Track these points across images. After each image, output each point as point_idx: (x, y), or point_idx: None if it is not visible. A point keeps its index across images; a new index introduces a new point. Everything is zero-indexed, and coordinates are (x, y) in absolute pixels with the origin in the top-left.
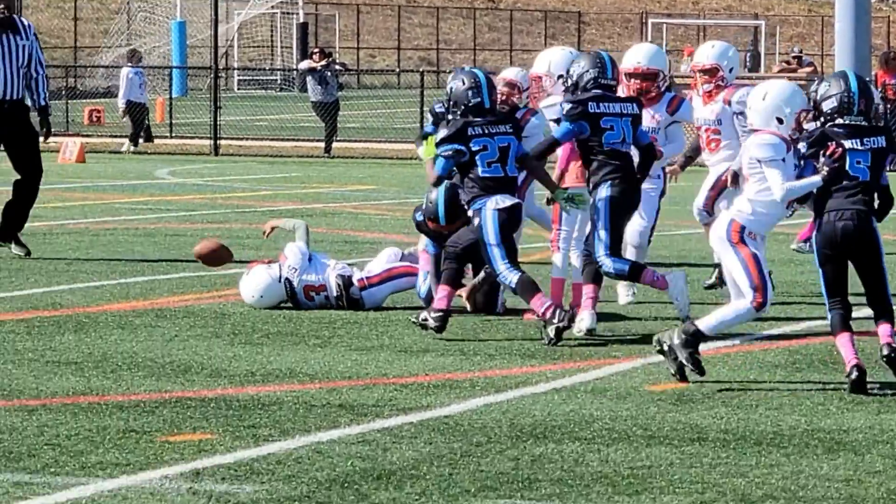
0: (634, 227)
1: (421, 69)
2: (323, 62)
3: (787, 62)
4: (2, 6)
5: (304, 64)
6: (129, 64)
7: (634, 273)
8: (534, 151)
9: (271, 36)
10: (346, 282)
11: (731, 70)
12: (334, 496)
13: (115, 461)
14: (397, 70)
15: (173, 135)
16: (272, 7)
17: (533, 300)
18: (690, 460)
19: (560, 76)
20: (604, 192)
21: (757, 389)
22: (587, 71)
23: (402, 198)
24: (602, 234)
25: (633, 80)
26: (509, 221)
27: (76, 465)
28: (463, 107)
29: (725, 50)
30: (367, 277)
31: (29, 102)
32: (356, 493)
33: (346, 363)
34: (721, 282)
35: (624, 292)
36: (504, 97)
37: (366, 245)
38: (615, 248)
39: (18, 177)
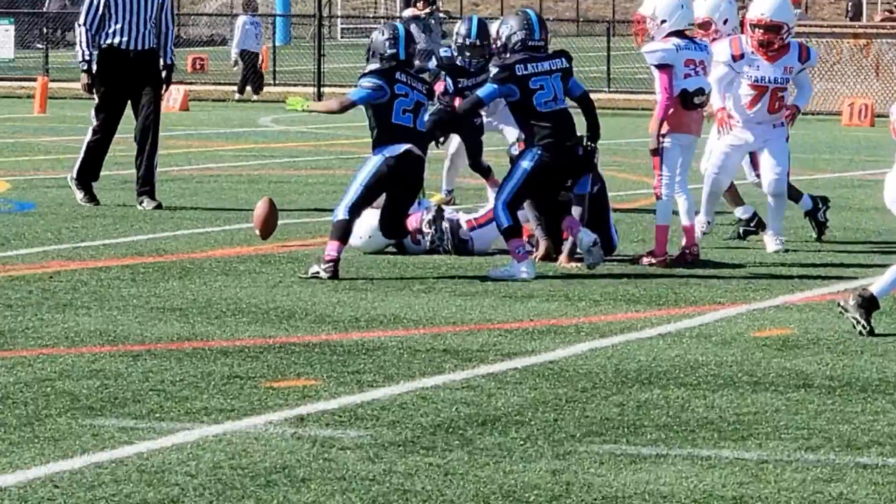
0: (771, 176)
1: None
2: (426, 10)
3: (890, 11)
4: None
5: (408, 12)
6: (246, 12)
7: (508, 233)
8: (460, 109)
9: None
10: (455, 224)
11: (724, 22)
12: (439, 441)
13: (219, 406)
14: (500, 18)
15: (277, 82)
16: None
17: (330, 244)
18: (796, 406)
19: (663, 21)
20: (527, 160)
21: (861, 336)
22: (515, 32)
23: None
24: (508, 187)
25: (756, 31)
26: (396, 171)
27: (181, 411)
28: (379, 56)
29: (718, 3)
30: (476, 218)
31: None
32: (461, 438)
33: (451, 308)
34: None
35: (772, 241)
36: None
37: (471, 191)
38: (513, 205)
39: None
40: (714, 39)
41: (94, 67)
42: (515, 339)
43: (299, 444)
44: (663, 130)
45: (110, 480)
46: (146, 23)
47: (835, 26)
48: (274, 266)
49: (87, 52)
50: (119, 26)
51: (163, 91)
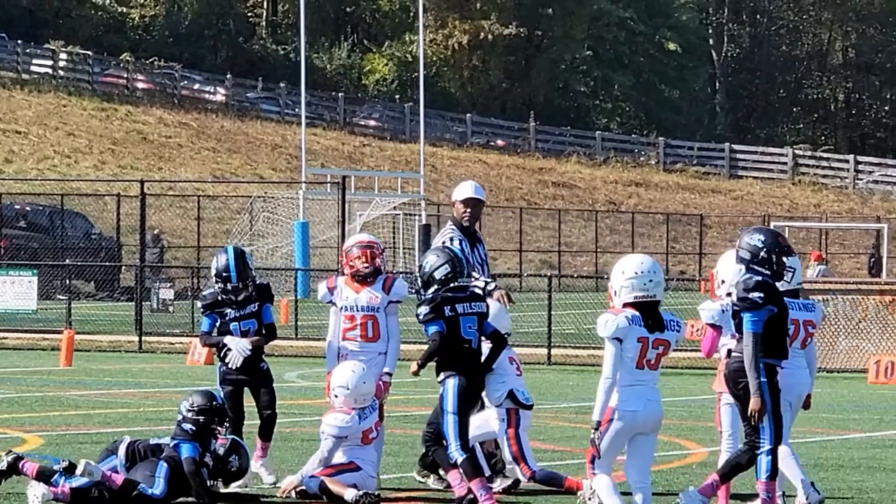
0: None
1: (542, 272)
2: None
3: None
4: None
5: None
6: None
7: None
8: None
9: (393, 237)
10: None
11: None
12: None
13: None
14: (520, 273)
15: (298, 336)
16: (394, 208)
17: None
18: None
19: (723, 280)
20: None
21: None
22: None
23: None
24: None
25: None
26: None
27: None
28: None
29: None
30: None
31: None
32: None
33: None
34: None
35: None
36: (365, 260)
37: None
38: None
39: None
40: None
41: None
42: None
43: None
44: (722, 389)
45: None
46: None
47: (861, 283)
48: None
49: None
50: None
51: None
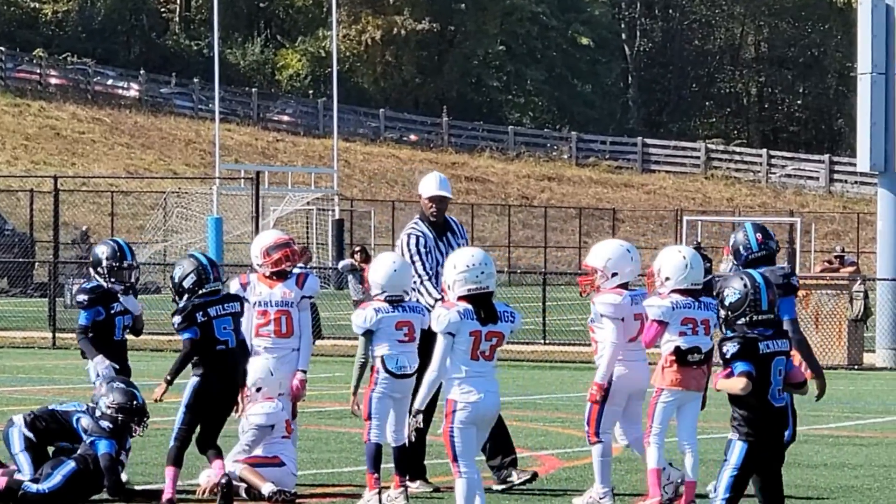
0: None
1: None
2: (365, 263)
3: (829, 261)
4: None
5: (346, 263)
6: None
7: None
8: None
9: (307, 232)
10: None
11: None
12: None
13: None
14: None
15: None
16: (308, 203)
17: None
18: None
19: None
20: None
21: None
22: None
23: None
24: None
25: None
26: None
27: None
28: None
29: None
30: None
31: None
32: None
33: None
34: None
35: None
36: (290, 260)
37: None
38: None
39: None
40: None
41: None
42: None
43: None
44: (662, 385)
45: None
46: None
47: None
48: None
49: None
50: None
51: None
